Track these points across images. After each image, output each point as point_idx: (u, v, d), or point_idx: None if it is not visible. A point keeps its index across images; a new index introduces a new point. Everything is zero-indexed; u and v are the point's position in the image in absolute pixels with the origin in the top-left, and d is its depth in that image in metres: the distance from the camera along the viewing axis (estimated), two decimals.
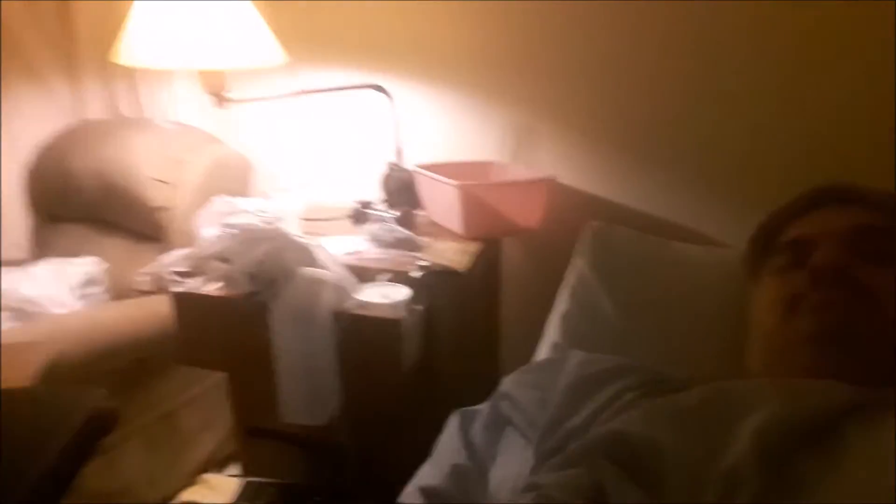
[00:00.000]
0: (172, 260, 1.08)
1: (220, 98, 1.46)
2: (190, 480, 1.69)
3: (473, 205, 1.37)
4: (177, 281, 1.06)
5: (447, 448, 0.75)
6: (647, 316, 0.96)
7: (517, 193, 1.42)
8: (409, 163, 1.58)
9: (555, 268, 1.27)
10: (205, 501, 1.60)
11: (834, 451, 0.49)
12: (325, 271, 1.08)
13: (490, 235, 1.43)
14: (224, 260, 1.06)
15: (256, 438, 1.36)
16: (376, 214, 1.45)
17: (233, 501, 1.22)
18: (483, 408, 0.77)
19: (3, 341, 1.00)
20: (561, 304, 1.01)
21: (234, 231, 1.06)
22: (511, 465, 0.66)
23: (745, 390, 0.58)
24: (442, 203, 1.46)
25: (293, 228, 1.35)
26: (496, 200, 1.38)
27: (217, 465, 1.77)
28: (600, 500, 0.50)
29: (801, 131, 1.31)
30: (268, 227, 1.11)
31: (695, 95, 1.39)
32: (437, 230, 1.46)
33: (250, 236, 1.07)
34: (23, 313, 1.49)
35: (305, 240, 1.14)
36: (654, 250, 1.09)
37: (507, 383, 0.75)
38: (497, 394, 0.76)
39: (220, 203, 1.15)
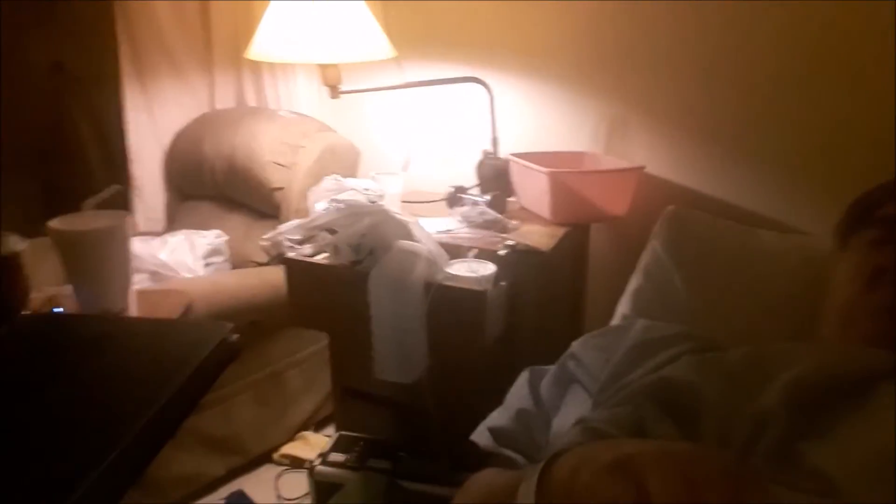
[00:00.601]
0: (288, 228, 1.22)
1: (334, 89, 1.60)
2: (291, 436, 1.86)
3: (562, 191, 1.43)
4: (291, 246, 1.20)
5: (515, 396, 0.83)
6: (717, 296, 0.98)
7: (605, 182, 1.47)
8: (504, 152, 1.66)
9: (640, 253, 1.32)
10: (302, 455, 1.76)
11: (865, 407, 0.52)
12: (419, 245, 1.18)
13: (577, 221, 1.49)
14: (330, 231, 1.19)
15: (350, 398, 1.50)
16: (469, 198, 1.54)
17: (326, 450, 1.35)
18: (552, 367, 0.83)
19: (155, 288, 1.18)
20: (634, 280, 1.06)
21: (340, 206, 1.19)
22: (573, 415, 0.72)
23: (787, 350, 0.61)
24: (532, 189, 1.53)
25: (394, 207, 1.47)
26: (584, 188, 1.44)
27: (315, 425, 1.93)
28: (639, 433, 0.56)
29: (886, 123, 1.29)
30: (370, 204, 1.23)
31: (781, 88, 1.40)
32: (527, 215, 1.53)
33: (354, 211, 1.19)
34: (158, 276, 1.71)
35: (404, 217, 1.25)
36: (729, 234, 1.11)
37: (576, 345, 0.82)
38: (566, 354, 0.82)
39: (330, 181, 1.28)
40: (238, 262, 1.88)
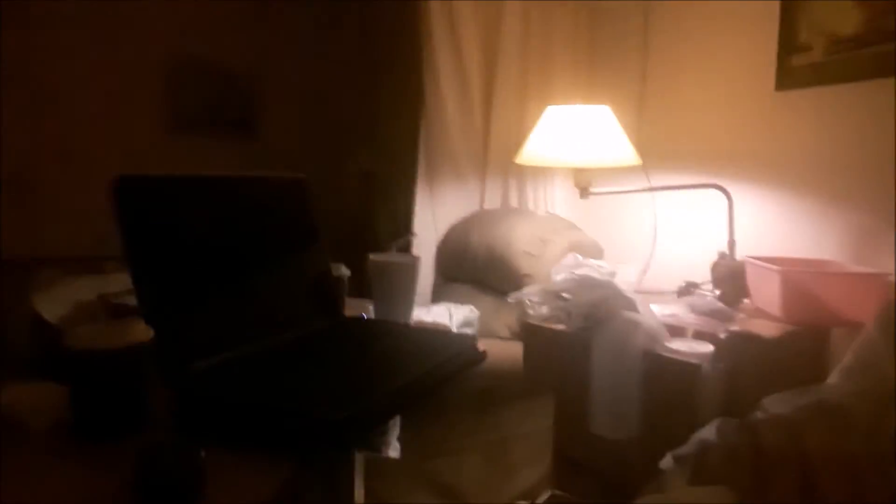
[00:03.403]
0: (531, 291, 1.46)
1: (585, 191, 1.86)
2: (510, 502, 2.00)
3: (793, 289, 1.46)
4: (531, 305, 1.43)
5: (702, 431, 0.92)
6: None
7: (843, 285, 1.46)
8: (740, 255, 1.73)
9: None
10: None
11: None
12: (641, 316, 1.33)
13: (810, 322, 1.49)
14: (564, 298, 1.40)
15: (567, 464, 1.62)
16: (700, 292, 1.64)
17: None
18: (742, 420, 0.91)
19: None
20: (846, 357, 1.06)
21: (576, 277, 1.40)
22: None
23: None
24: (766, 289, 1.58)
25: (627, 288, 1.63)
26: (817, 288, 1.45)
27: (532, 497, 2.05)
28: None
29: None
30: (603, 279, 1.42)
31: None
32: (758, 314, 1.57)
33: (588, 283, 1.40)
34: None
35: (632, 294, 1.42)
36: None
37: (767, 399, 0.89)
38: (758, 407, 0.89)
39: (572, 258, 1.50)
40: (484, 335, 2.17)
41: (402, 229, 2.71)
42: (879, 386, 0.90)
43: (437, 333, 1.09)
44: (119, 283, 3.02)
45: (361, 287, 1.32)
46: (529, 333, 1.54)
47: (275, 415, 0.70)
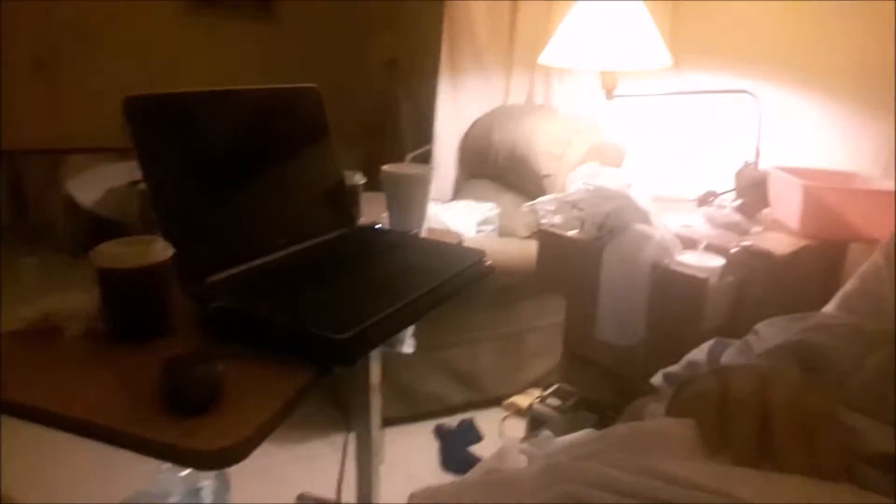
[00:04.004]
0: (545, 200, 1.47)
1: (610, 93, 1.80)
2: (521, 390, 2.13)
3: (814, 204, 1.45)
4: (545, 215, 1.45)
5: (694, 353, 0.96)
6: None
7: (865, 201, 1.44)
8: (767, 165, 1.69)
9: None
10: (526, 406, 2.01)
11: None
12: (653, 229, 1.34)
13: (827, 237, 1.48)
14: (578, 208, 1.41)
15: (576, 360, 1.70)
16: (719, 202, 1.63)
17: (546, 394, 1.58)
18: (737, 341, 0.94)
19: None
20: (848, 283, 1.07)
21: (590, 188, 1.40)
22: None
23: None
24: (786, 201, 1.56)
25: (642, 199, 1.63)
26: (839, 204, 1.43)
27: (544, 386, 2.17)
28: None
29: None
30: (618, 190, 1.42)
31: None
32: (775, 226, 1.56)
33: (602, 193, 1.40)
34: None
35: (646, 205, 1.42)
36: None
37: (762, 323, 0.91)
38: (750, 331, 0.92)
39: (589, 167, 1.49)
40: (504, 234, 2.20)
41: (423, 119, 2.68)
42: (872, 321, 0.92)
43: (446, 247, 1.12)
44: None
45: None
46: (544, 239, 1.56)
47: (283, 330, 0.75)
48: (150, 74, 3.48)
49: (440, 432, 1.95)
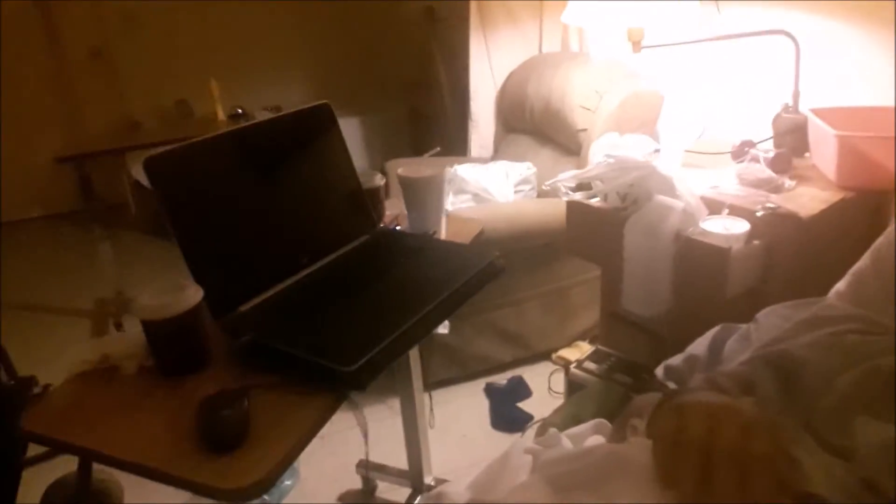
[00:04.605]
0: (566, 177, 1.48)
1: (637, 45, 1.74)
2: (568, 343, 2.19)
3: (849, 155, 1.40)
4: (566, 192, 1.46)
5: (696, 344, 0.99)
6: None
7: None
8: (812, 104, 1.61)
9: None
10: (574, 360, 2.08)
11: None
12: (675, 201, 1.34)
13: (867, 187, 1.43)
14: (599, 181, 1.42)
15: (613, 321, 1.74)
16: (755, 152, 1.59)
17: (583, 358, 1.64)
18: (743, 326, 0.96)
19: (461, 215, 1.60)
20: (861, 259, 1.05)
21: (611, 160, 1.40)
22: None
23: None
24: (823, 150, 1.51)
25: (675, 160, 1.61)
26: (879, 153, 1.37)
27: (590, 338, 2.23)
28: (748, 390, 0.71)
29: None
30: (639, 160, 1.41)
31: None
32: (813, 174, 1.52)
33: (623, 165, 1.39)
34: (479, 198, 2.14)
35: (670, 171, 1.41)
36: None
37: (764, 311, 0.93)
38: (755, 317, 0.94)
39: (610, 136, 1.48)
40: (543, 192, 2.21)
41: (459, 75, 2.66)
42: (879, 306, 0.92)
43: (459, 250, 1.17)
44: None
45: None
46: (571, 208, 1.58)
47: (301, 362, 0.84)
48: (196, 51, 3.59)
49: (490, 391, 2.05)
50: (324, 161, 1.16)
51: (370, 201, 1.23)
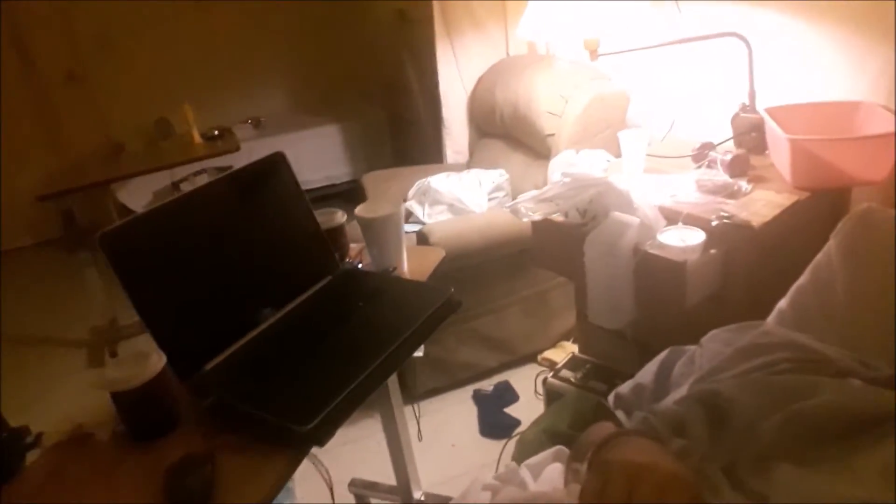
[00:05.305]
0: (524, 199, 1.51)
1: (594, 53, 1.76)
2: (552, 344, 2.24)
3: (803, 157, 1.42)
4: (527, 213, 1.49)
5: (644, 370, 1.03)
6: (874, 307, 0.96)
7: (858, 147, 1.40)
8: (768, 102, 1.63)
9: None
10: (559, 360, 2.12)
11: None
12: (631, 217, 1.37)
13: (822, 187, 1.46)
14: (557, 202, 1.45)
15: (589, 326, 1.78)
16: (712, 156, 1.61)
17: (559, 366, 1.68)
18: (691, 348, 1.00)
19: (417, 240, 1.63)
20: (802, 275, 1.08)
21: (567, 179, 1.42)
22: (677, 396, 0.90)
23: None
24: (778, 150, 1.53)
25: (637, 167, 1.63)
26: (831, 154, 1.40)
27: (574, 337, 2.27)
28: (680, 431, 0.75)
29: None
30: (596, 176, 1.44)
31: None
32: (771, 175, 1.54)
33: (580, 183, 1.42)
34: (455, 208, 2.17)
35: (627, 185, 1.44)
36: None
37: (708, 335, 0.96)
38: (701, 341, 0.98)
39: (566, 155, 1.51)
40: (517, 196, 2.24)
41: (430, 80, 2.67)
42: (817, 325, 0.95)
43: (417, 288, 1.20)
44: (185, 170, 3.33)
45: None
46: (535, 225, 1.61)
47: (261, 421, 0.89)
48: (171, 68, 3.60)
49: (477, 398, 2.10)
50: (281, 209, 1.19)
51: (332, 240, 1.27)
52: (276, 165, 1.19)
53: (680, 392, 0.87)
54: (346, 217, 1.33)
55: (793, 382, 0.74)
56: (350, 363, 0.98)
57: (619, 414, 0.98)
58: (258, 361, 1.02)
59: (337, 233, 1.30)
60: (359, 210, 1.25)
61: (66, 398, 2.32)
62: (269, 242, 1.15)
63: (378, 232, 1.24)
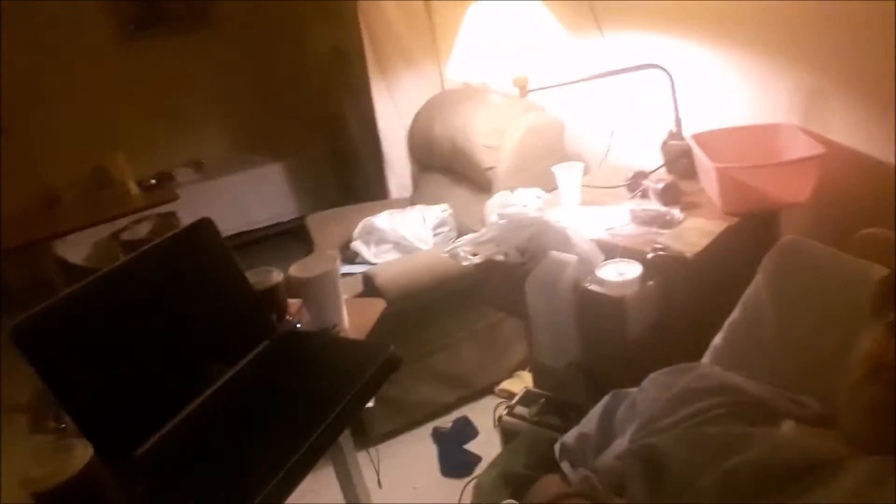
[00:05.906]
0: (463, 242, 1.51)
1: (524, 90, 1.78)
2: (508, 374, 2.23)
3: (730, 185, 1.46)
4: (466, 257, 1.49)
5: (587, 418, 1.03)
6: (801, 340, 0.99)
7: (781, 172, 1.45)
8: (694, 128, 1.68)
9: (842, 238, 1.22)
10: (516, 390, 2.12)
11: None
12: (569, 256, 1.38)
13: (750, 212, 1.50)
14: (495, 243, 1.45)
15: (540, 361, 1.78)
16: (645, 185, 1.64)
17: (514, 403, 1.67)
18: (633, 391, 1.00)
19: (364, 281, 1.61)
20: (734, 311, 1.11)
21: (502, 222, 1.43)
22: (620, 445, 0.91)
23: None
24: (707, 177, 1.57)
25: (573, 200, 1.65)
26: (756, 180, 1.44)
27: (529, 367, 2.27)
28: (620, 488, 0.75)
29: None
30: (533, 216, 1.45)
31: None
32: (704, 199, 1.58)
33: (516, 223, 1.43)
34: (401, 246, 2.16)
35: (563, 222, 1.45)
36: (844, 269, 1.04)
37: (648, 378, 0.97)
38: (641, 385, 0.98)
39: (500, 197, 1.52)
40: (462, 230, 2.24)
41: (367, 117, 2.67)
42: (753, 360, 0.96)
43: (356, 348, 1.19)
44: (126, 219, 3.21)
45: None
46: (478, 266, 1.61)
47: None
48: (106, 114, 3.52)
49: (437, 436, 2.08)
50: (210, 276, 1.16)
51: (268, 301, 1.24)
52: (202, 232, 1.16)
53: (621, 442, 0.87)
54: (281, 276, 1.31)
55: (726, 437, 0.75)
56: (288, 437, 0.95)
57: (565, 466, 0.97)
58: (190, 442, 0.98)
59: (273, 293, 1.28)
60: (293, 270, 1.23)
61: (12, 469, 2.21)
62: (200, 313, 1.12)
63: (315, 291, 1.22)
